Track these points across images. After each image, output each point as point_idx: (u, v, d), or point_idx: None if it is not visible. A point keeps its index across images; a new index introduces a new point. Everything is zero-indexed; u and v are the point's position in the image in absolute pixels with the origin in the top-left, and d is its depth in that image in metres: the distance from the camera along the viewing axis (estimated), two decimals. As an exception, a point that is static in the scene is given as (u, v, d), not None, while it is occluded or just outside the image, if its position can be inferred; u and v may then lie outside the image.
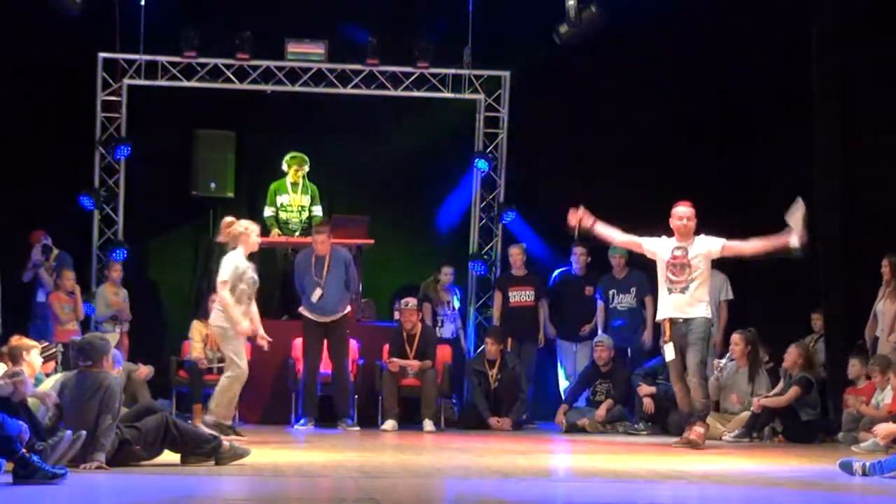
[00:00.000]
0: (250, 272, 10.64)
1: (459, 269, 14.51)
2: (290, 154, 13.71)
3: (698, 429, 10.57)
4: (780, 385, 12.28)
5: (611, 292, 13.59)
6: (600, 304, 13.67)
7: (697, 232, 10.83)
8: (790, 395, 12.00)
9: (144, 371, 12.71)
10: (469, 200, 14.92)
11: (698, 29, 14.23)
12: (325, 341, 12.50)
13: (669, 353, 10.77)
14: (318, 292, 12.34)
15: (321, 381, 12.53)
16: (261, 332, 10.81)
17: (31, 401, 7.84)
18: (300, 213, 13.70)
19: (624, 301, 13.54)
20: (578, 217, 10.87)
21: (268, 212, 13.70)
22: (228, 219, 10.82)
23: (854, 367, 11.93)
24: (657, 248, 10.86)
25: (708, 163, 14.60)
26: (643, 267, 13.11)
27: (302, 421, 12.36)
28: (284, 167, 13.71)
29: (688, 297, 10.65)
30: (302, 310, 12.50)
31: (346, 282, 12.48)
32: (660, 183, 14.49)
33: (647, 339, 13.35)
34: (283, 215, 13.69)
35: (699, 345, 10.58)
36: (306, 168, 13.70)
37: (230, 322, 10.49)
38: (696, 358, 10.57)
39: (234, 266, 10.53)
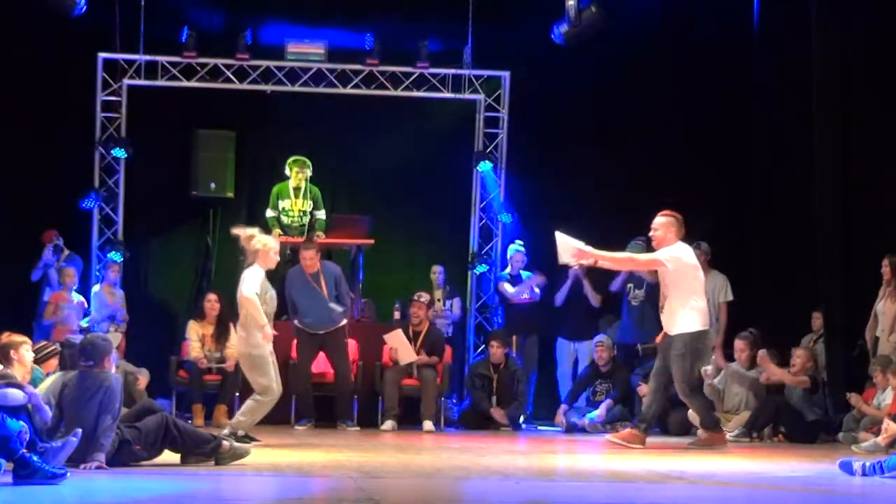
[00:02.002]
0: (272, 290, 10.30)
1: (459, 269, 14.54)
2: (292, 158, 13.66)
3: (704, 435, 10.75)
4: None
5: (629, 285, 13.53)
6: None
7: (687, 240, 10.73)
8: (799, 372, 12.04)
9: (143, 381, 12.70)
10: (469, 200, 14.92)
11: (698, 29, 14.23)
12: (320, 351, 12.49)
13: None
14: (308, 310, 12.30)
15: (319, 381, 12.53)
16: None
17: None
18: (301, 217, 13.65)
19: (638, 296, 13.48)
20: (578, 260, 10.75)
21: (270, 213, 13.67)
22: (248, 232, 10.28)
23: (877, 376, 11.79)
24: None
25: (708, 163, 14.60)
26: None
27: (302, 421, 12.36)
28: (287, 171, 13.67)
29: (665, 314, 10.61)
30: (295, 322, 12.48)
31: (337, 297, 12.43)
32: (660, 183, 14.51)
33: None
34: (284, 219, 13.64)
35: (677, 361, 10.45)
36: (308, 172, 13.63)
37: (256, 327, 10.01)
38: (678, 375, 10.51)
39: (262, 282, 10.11)
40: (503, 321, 14.01)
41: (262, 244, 10.17)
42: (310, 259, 12.42)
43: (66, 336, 8.93)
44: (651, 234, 10.73)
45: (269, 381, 10.17)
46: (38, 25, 13.76)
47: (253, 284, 10.03)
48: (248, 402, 10.29)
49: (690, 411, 12.38)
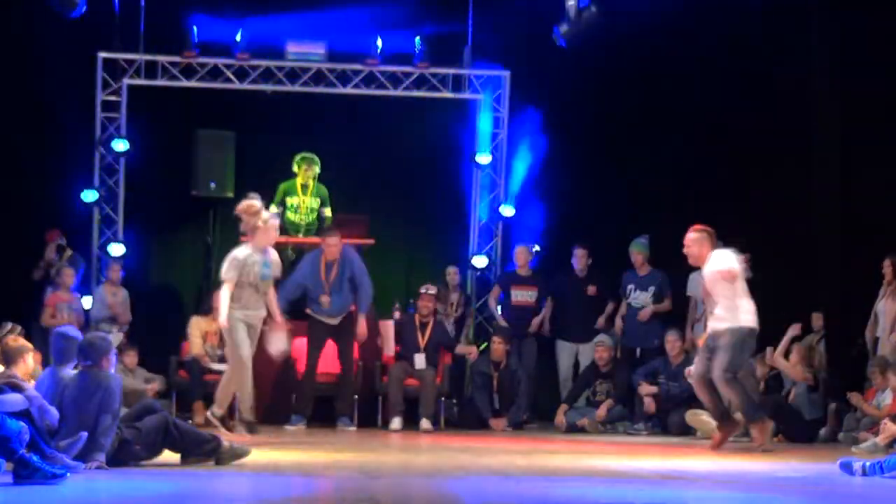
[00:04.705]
0: (256, 267, 10.53)
1: (459, 268, 14.54)
2: (300, 155, 13.60)
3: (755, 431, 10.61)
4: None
5: (629, 287, 13.53)
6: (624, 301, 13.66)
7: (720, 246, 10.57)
8: (795, 361, 12.07)
9: (155, 386, 12.70)
10: (469, 200, 14.93)
11: (699, 30, 14.22)
12: (330, 341, 12.49)
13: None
14: (326, 299, 12.34)
15: (321, 380, 12.53)
16: (277, 317, 10.95)
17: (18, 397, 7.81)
18: (308, 214, 13.62)
19: (640, 298, 13.47)
20: None
21: (273, 209, 13.61)
22: (255, 205, 10.64)
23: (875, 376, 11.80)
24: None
25: (707, 163, 14.60)
26: (665, 265, 13.14)
27: (295, 419, 12.32)
28: (294, 168, 13.64)
29: (716, 315, 10.50)
30: (308, 311, 12.48)
31: (351, 280, 12.43)
32: (659, 183, 14.54)
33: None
34: (291, 216, 13.60)
35: (726, 350, 10.29)
36: (316, 169, 13.59)
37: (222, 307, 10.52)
38: (723, 361, 10.31)
39: (232, 258, 10.53)
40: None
41: (262, 221, 10.52)
42: (333, 245, 12.36)
43: (54, 329, 8.86)
44: (685, 250, 10.67)
45: (235, 349, 10.44)
46: (38, 25, 13.76)
47: (227, 268, 10.48)
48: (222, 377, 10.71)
49: (688, 413, 12.39)
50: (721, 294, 10.39)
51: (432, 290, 13.18)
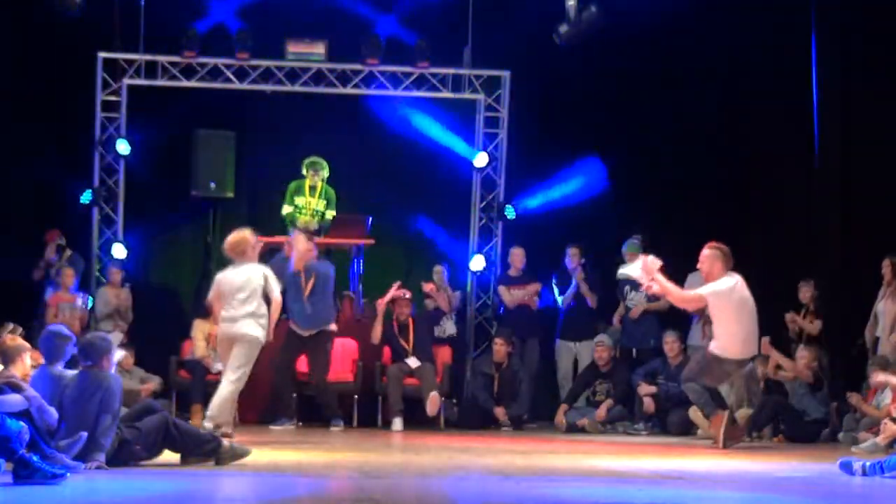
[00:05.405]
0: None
1: (459, 268, 14.53)
2: (308, 159, 13.56)
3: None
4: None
5: (626, 288, 13.53)
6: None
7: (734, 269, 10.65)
8: (806, 361, 12.05)
9: (150, 386, 12.69)
10: (469, 200, 14.92)
11: (699, 30, 14.23)
12: (304, 353, 12.45)
13: None
14: (292, 307, 12.21)
15: (307, 380, 12.55)
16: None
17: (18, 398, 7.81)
18: (313, 216, 13.62)
19: (636, 298, 13.46)
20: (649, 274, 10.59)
21: (286, 209, 13.59)
22: (241, 236, 10.67)
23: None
24: None
25: (706, 164, 14.60)
26: (664, 265, 13.13)
27: (280, 421, 12.25)
28: (303, 171, 13.63)
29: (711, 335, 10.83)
30: (287, 318, 12.39)
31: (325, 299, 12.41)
32: (660, 183, 14.53)
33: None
34: (297, 216, 13.62)
35: (698, 359, 10.84)
36: (323, 173, 13.54)
37: (269, 329, 10.55)
38: (692, 364, 10.91)
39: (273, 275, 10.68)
40: (503, 323, 13.98)
41: (246, 237, 10.59)
42: (307, 250, 12.31)
43: (47, 327, 8.83)
44: (699, 266, 10.74)
45: (249, 365, 10.49)
46: (38, 25, 13.77)
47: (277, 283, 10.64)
48: (223, 391, 10.44)
49: (691, 410, 12.39)
50: (713, 316, 10.61)
51: (408, 295, 13.20)
